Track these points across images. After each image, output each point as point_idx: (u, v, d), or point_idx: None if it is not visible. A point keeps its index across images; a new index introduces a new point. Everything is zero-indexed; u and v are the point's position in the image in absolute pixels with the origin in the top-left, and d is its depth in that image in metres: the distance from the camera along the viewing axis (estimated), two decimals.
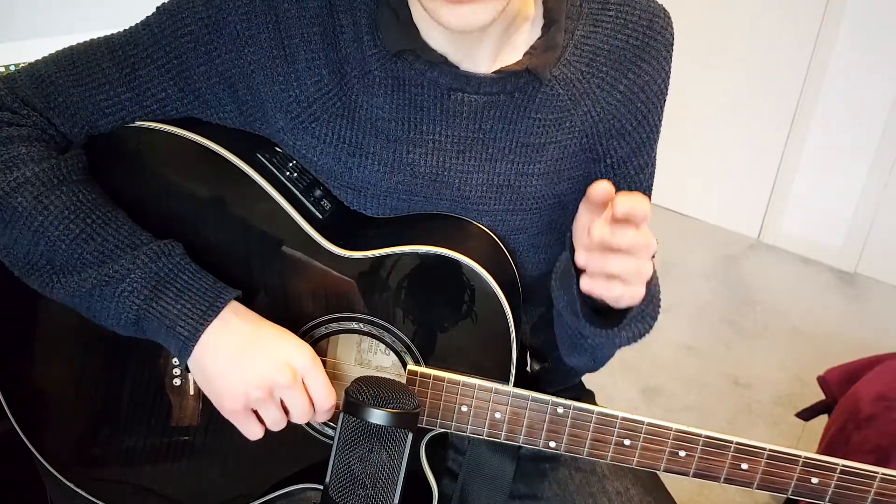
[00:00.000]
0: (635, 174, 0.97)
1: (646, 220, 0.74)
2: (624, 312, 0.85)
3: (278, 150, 0.92)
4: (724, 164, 3.04)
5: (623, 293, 0.78)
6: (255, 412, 0.84)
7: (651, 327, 0.90)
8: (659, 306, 0.92)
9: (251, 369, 0.82)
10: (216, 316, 0.82)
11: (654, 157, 1.01)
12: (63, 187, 0.84)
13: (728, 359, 2.47)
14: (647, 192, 1.03)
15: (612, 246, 0.74)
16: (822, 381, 1.75)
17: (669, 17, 0.94)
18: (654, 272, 0.88)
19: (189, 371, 0.85)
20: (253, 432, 0.85)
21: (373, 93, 0.88)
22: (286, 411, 0.84)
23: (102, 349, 0.93)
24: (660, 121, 0.97)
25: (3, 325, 0.94)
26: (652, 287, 0.88)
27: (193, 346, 0.82)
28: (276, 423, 0.84)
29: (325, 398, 0.84)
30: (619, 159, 0.94)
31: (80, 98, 0.88)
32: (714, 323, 2.62)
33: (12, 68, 1.32)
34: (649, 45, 0.92)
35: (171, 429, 0.95)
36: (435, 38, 0.86)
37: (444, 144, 0.90)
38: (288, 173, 0.90)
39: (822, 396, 1.75)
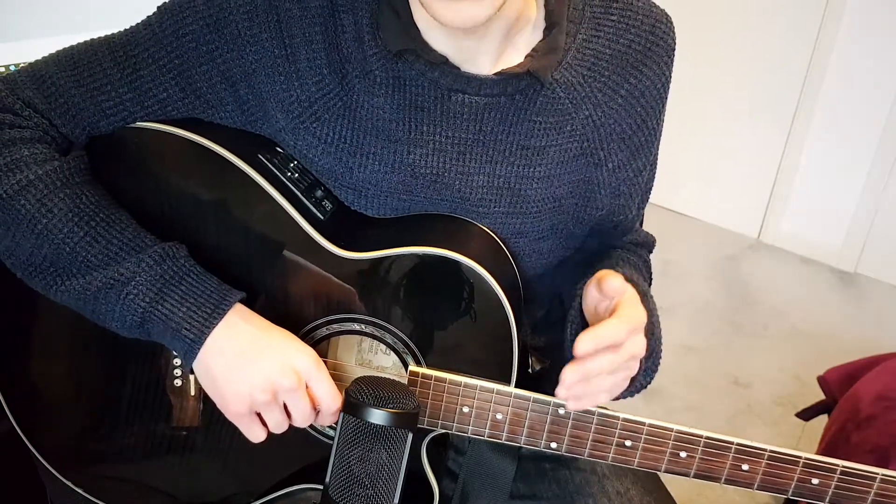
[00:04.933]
0: (634, 176, 0.97)
1: (624, 340, 0.81)
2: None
3: (279, 150, 0.91)
4: (724, 164, 3.04)
5: (609, 397, 0.85)
6: (259, 415, 0.84)
7: (654, 376, 0.96)
8: (660, 355, 0.95)
9: (256, 372, 0.82)
10: (221, 318, 0.82)
11: (654, 158, 1.01)
12: (67, 189, 0.83)
13: (728, 359, 2.47)
14: (646, 193, 1.03)
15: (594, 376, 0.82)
16: (822, 381, 1.75)
17: (672, 23, 0.94)
18: (654, 325, 0.93)
19: (192, 373, 0.85)
20: (256, 435, 0.84)
21: (374, 93, 0.88)
22: (289, 415, 0.85)
23: (103, 349, 0.93)
24: (658, 124, 0.97)
25: (3, 325, 0.94)
26: (651, 341, 0.92)
27: (199, 348, 0.82)
28: (279, 426, 0.84)
29: (331, 401, 0.84)
30: (619, 162, 0.95)
31: (82, 99, 0.87)
32: (714, 323, 2.62)
33: (12, 68, 1.32)
34: (651, 51, 0.92)
35: (171, 429, 0.95)
36: (436, 38, 0.86)
37: (445, 145, 0.90)
38: (289, 174, 0.90)
39: (822, 396, 1.75)
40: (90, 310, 0.84)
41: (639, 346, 0.83)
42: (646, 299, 0.91)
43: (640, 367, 0.88)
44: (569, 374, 0.81)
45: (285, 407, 0.84)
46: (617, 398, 0.91)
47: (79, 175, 0.85)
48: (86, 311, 0.84)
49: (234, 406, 0.83)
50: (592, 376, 0.81)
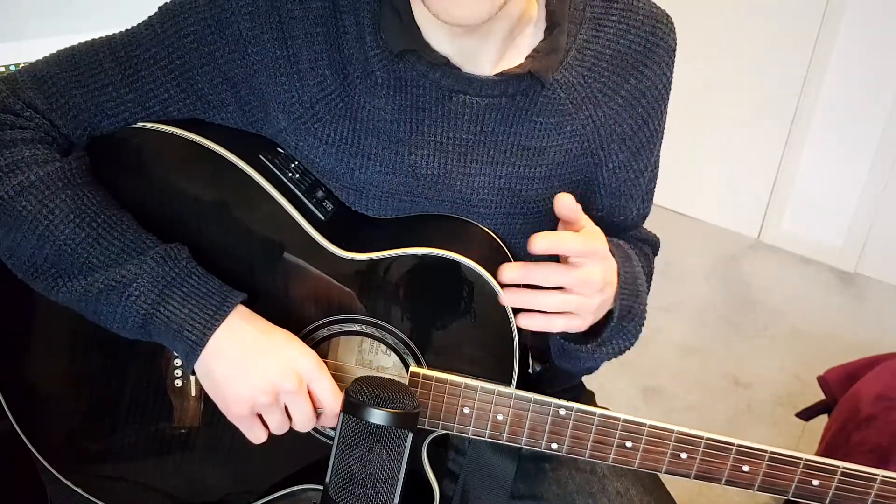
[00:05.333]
0: (635, 178, 0.97)
1: (581, 256, 0.80)
2: (603, 328, 0.87)
3: (280, 150, 0.92)
4: (724, 164, 3.04)
5: (565, 327, 0.83)
6: (260, 416, 0.84)
7: (633, 342, 0.92)
8: (642, 322, 0.93)
9: (258, 375, 0.82)
10: (223, 320, 0.82)
11: (656, 160, 1.01)
12: (68, 190, 0.83)
13: (728, 359, 2.47)
14: (647, 194, 1.03)
15: (536, 283, 0.80)
16: (822, 381, 1.75)
17: (672, 24, 0.94)
18: (638, 288, 0.91)
19: (194, 375, 0.85)
20: (257, 437, 0.85)
21: (375, 94, 0.88)
22: (290, 417, 0.84)
23: (103, 350, 0.93)
24: (661, 125, 0.97)
25: (3, 325, 0.94)
26: (634, 304, 0.90)
27: (201, 350, 0.82)
28: (280, 427, 0.85)
29: (333, 403, 0.84)
30: (619, 163, 0.95)
31: (83, 99, 0.87)
32: (714, 323, 2.62)
33: (12, 68, 1.32)
34: (652, 51, 0.92)
35: (171, 429, 0.95)
36: (437, 39, 0.86)
37: (446, 146, 0.90)
38: (290, 174, 0.90)
39: (822, 396, 1.75)
40: (91, 311, 0.84)
41: (595, 274, 0.81)
42: (628, 261, 0.91)
43: (612, 318, 0.87)
44: (508, 269, 0.81)
45: (287, 409, 0.84)
46: (588, 348, 0.89)
47: (80, 176, 0.85)
48: (87, 313, 0.84)
49: (236, 407, 0.83)
50: (536, 281, 0.80)
